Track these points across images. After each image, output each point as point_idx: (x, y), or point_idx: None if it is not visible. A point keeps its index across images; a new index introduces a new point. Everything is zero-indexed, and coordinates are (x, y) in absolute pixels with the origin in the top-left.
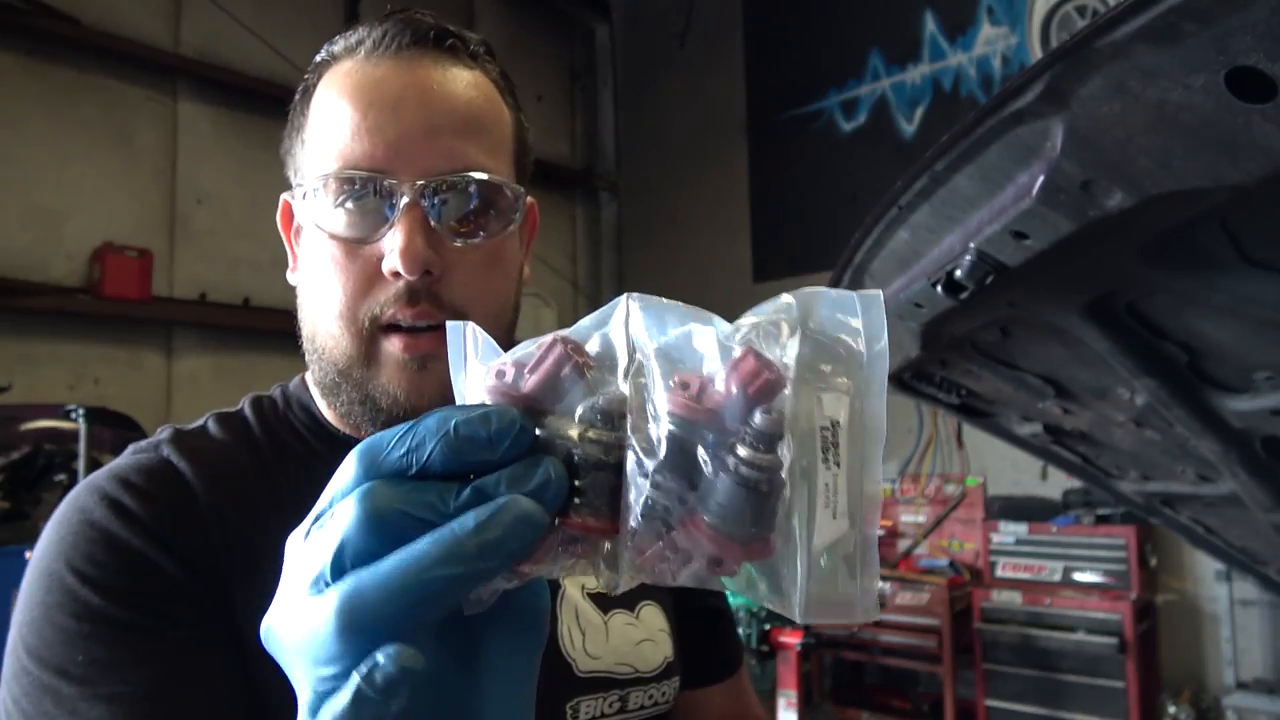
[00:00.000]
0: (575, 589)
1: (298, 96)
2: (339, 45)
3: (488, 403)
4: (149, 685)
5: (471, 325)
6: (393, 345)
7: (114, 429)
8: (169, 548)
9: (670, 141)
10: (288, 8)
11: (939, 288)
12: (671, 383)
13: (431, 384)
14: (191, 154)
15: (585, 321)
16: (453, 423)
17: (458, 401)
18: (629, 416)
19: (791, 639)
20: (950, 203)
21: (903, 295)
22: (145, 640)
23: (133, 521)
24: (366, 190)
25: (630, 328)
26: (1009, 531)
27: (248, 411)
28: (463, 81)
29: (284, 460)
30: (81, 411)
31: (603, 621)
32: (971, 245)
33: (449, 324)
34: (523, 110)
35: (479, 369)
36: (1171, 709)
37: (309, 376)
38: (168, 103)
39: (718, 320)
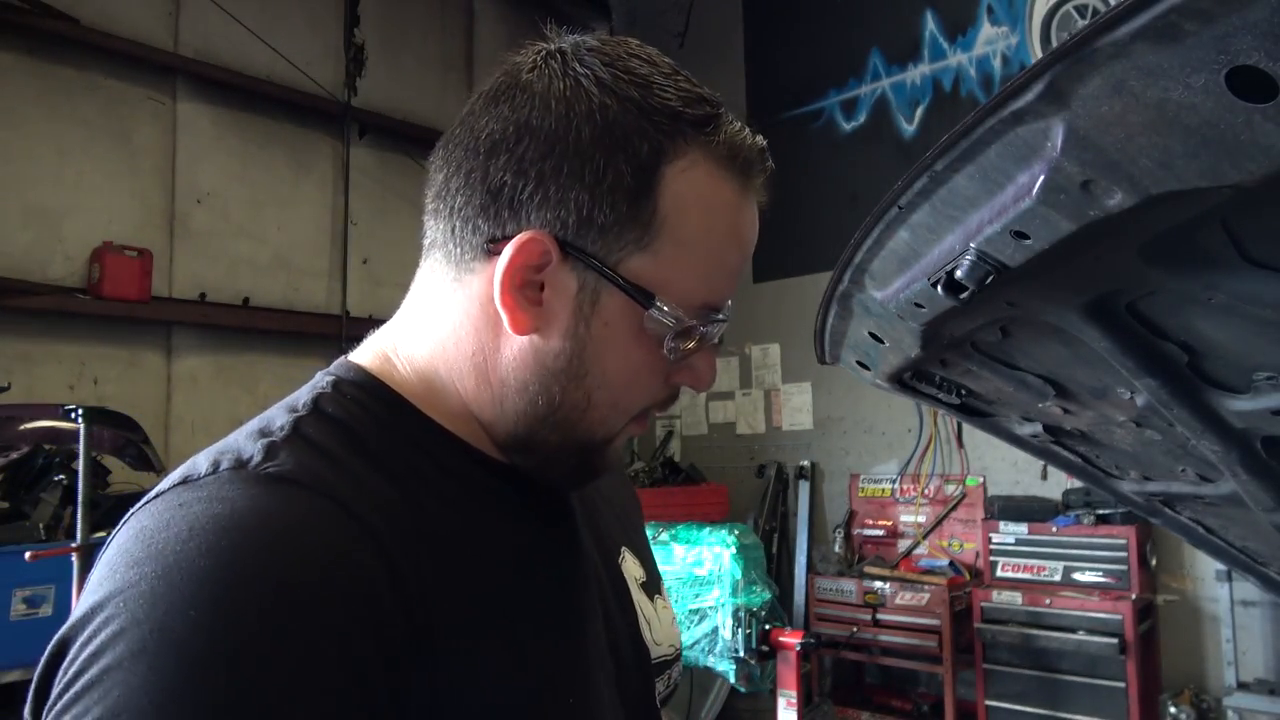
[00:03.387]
0: (632, 582)
1: (626, 144)
2: (700, 114)
3: None
4: None
5: None
6: (630, 428)
7: (113, 429)
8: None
9: None
10: (288, 7)
11: (939, 288)
12: None
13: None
14: (191, 153)
15: None
16: None
17: None
18: None
19: (791, 639)
20: (950, 203)
21: (903, 295)
22: None
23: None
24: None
25: None
26: (1009, 531)
27: (335, 412)
28: None
29: (415, 477)
30: (81, 411)
31: (655, 609)
32: (971, 245)
33: None
34: None
35: None
36: (1172, 709)
37: (404, 378)
38: (167, 102)
39: None
